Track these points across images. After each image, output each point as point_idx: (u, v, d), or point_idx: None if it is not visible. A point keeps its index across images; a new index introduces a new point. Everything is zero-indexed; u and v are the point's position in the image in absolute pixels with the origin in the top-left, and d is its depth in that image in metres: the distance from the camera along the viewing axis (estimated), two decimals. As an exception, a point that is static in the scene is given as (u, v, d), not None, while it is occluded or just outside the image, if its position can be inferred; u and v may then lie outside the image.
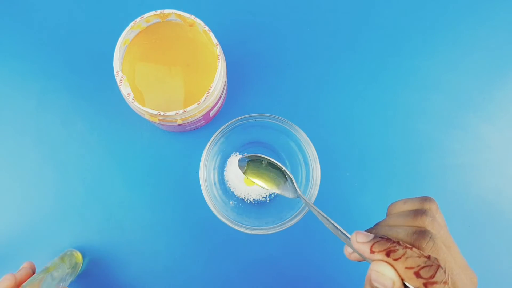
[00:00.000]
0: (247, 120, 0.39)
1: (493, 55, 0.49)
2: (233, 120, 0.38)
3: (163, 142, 0.47)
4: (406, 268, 0.22)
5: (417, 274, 0.21)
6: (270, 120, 0.39)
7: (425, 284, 0.21)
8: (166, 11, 0.38)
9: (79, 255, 0.44)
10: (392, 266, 0.22)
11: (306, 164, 0.40)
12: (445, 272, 0.21)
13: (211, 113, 0.42)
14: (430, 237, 0.22)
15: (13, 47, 0.47)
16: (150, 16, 0.38)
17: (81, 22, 0.48)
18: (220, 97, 0.40)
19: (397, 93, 0.48)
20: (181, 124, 0.39)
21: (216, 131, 0.39)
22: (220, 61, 0.37)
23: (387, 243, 0.23)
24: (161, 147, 0.46)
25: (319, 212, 0.30)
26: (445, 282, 0.21)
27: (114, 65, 0.36)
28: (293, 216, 0.38)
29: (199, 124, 0.43)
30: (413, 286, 0.22)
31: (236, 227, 0.38)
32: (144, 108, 0.36)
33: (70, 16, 0.48)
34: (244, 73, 0.47)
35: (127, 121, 0.46)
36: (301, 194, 0.35)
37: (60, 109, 0.46)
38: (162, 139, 0.47)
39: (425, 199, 0.26)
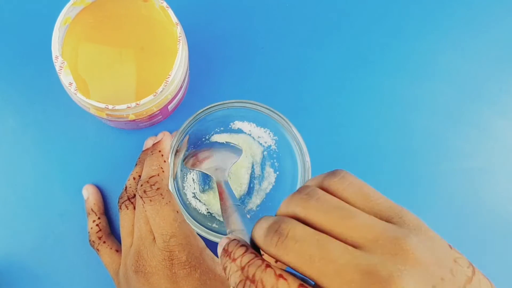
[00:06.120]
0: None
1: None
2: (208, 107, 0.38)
3: (111, 141, 0.45)
4: None
5: None
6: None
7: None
8: (115, -18, 0.37)
9: None
10: None
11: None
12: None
13: (170, 107, 0.40)
14: (307, 193, 0.22)
15: None
16: (96, -12, 0.37)
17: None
18: (181, 87, 0.39)
19: (394, 82, 0.47)
20: (134, 120, 0.38)
21: (178, 127, 0.38)
22: (180, 44, 0.35)
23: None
24: (109, 148, 0.45)
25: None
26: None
27: (52, 48, 0.35)
28: None
29: (155, 120, 0.41)
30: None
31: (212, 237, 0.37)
32: (89, 101, 0.34)
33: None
34: (209, 58, 0.46)
35: (69, 116, 0.45)
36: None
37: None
38: (111, 138, 0.45)
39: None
